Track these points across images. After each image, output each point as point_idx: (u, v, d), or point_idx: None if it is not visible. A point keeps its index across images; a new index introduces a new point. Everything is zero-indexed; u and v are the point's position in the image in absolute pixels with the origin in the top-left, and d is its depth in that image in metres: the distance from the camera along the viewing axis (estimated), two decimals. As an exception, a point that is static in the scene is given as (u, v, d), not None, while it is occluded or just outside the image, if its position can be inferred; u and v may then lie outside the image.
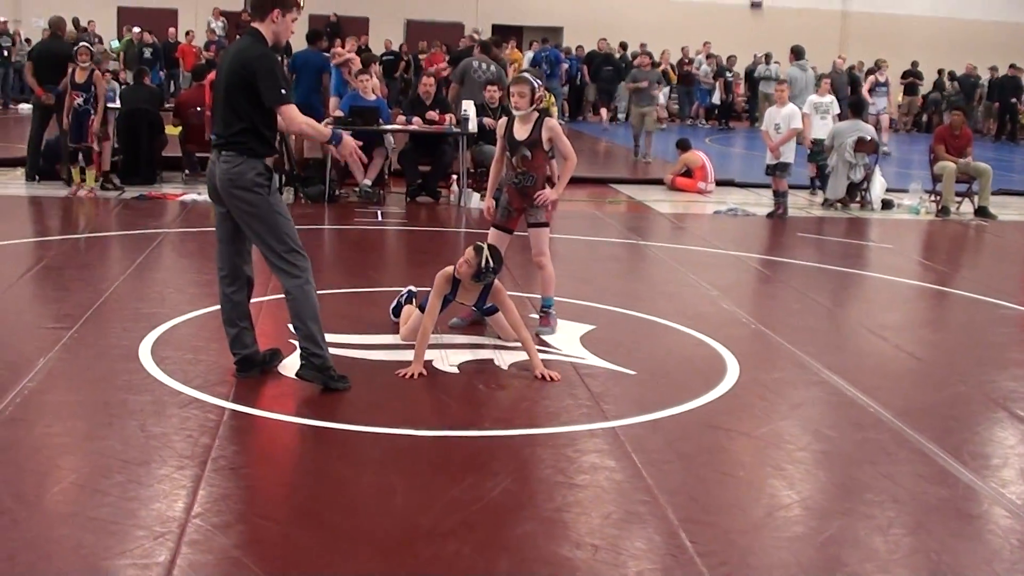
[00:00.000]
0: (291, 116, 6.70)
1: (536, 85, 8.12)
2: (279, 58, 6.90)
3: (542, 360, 7.48)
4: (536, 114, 8.22)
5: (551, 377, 7.28)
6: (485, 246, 7.66)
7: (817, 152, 17.59)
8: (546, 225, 8.41)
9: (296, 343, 7.05)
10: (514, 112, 8.22)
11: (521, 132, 8.24)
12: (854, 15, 38.07)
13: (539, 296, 8.67)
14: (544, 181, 8.36)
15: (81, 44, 15.96)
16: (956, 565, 4.83)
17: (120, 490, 5.26)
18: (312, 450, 6.09)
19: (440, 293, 7.60)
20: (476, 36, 23.65)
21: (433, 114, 15.75)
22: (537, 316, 8.56)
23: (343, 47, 20.15)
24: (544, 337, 8.20)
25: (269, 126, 6.77)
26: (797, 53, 20.60)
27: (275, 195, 6.81)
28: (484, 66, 17.22)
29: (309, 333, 6.82)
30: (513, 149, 8.28)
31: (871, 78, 27.40)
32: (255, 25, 6.78)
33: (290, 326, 7.18)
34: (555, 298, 8.57)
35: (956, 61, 32.74)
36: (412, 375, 7.24)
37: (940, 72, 34.89)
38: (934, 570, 4.78)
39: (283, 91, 6.66)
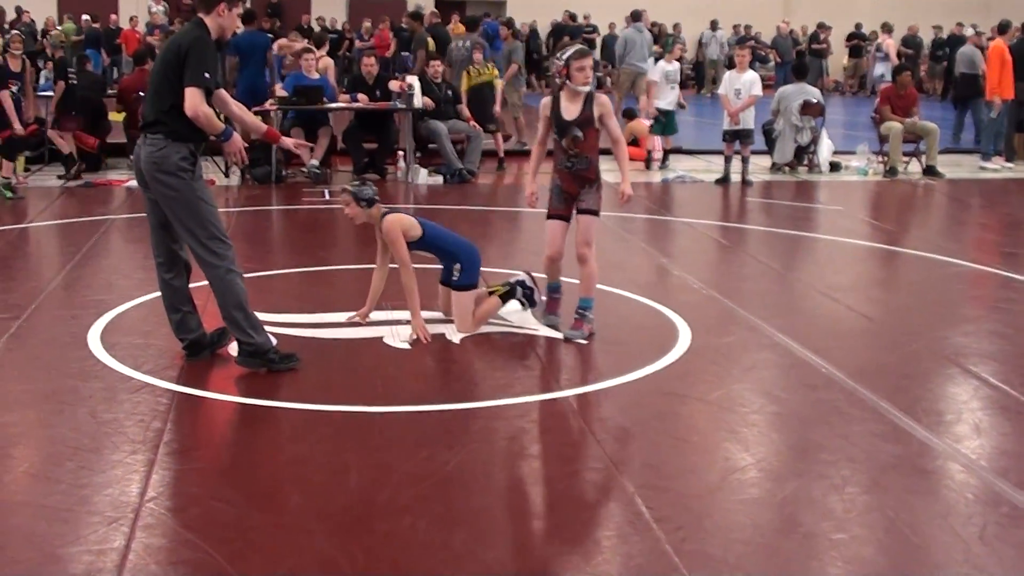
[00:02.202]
0: (193, 100, 6.52)
1: (594, 60, 7.55)
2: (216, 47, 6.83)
3: (490, 332, 7.47)
4: (584, 91, 7.49)
5: (425, 338, 7.42)
6: (344, 189, 7.72)
7: (665, 124, 17.39)
8: (598, 214, 7.64)
9: None
10: (579, 89, 7.42)
11: (571, 111, 7.48)
12: (797, -21, 38.16)
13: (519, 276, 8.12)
14: (597, 163, 7.60)
15: (13, 32, 15.79)
16: (912, 521, 4.84)
17: (72, 477, 5.21)
18: (264, 430, 6.04)
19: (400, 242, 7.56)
20: (420, 11, 23.60)
21: (396, 82, 15.67)
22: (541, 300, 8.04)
23: (284, 32, 19.98)
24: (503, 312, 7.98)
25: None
26: (634, 16, 20.76)
27: (199, 181, 6.71)
28: (462, 43, 17.18)
29: (234, 320, 6.76)
30: (562, 130, 7.50)
31: (889, 40, 27.08)
32: (200, 15, 6.73)
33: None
34: (525, 276, 8.12)
35: (900, 22, 32.83)
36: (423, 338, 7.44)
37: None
38: (890, 527, 4.79)
39: (205, 75, 6.54)
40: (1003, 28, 18.67)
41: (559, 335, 7.59)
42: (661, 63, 17.20)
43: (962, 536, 4.70)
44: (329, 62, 17.25)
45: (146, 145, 6.63)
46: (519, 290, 7.84)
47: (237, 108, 7.11)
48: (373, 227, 7.72)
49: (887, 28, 26.44)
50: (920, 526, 4.80)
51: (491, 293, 7.91)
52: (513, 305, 7.88)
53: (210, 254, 6.69)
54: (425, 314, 7.81)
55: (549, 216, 7.77)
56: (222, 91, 6.86)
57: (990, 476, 5.36)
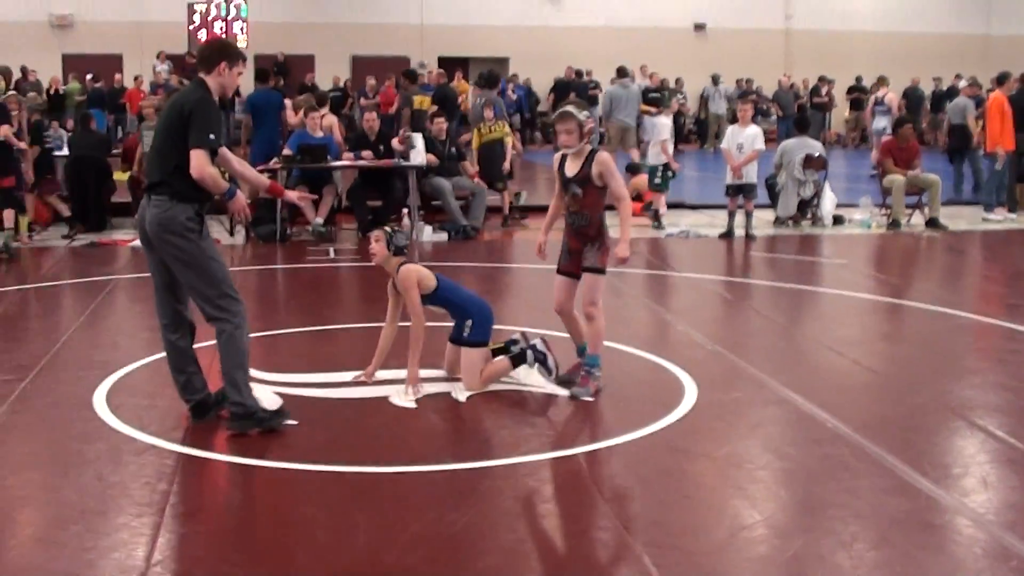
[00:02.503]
0: (200, 162, 6.57)
1: (583, 118, 7.49)
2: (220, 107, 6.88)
3: (497, 390, 7.49)
4: (588, 149, 7.56)
5: (414, 391, 7.49)
6: (383, 228, 7.78)
7: (664, 180, 17.22)
8: (601, 272, 7.61)
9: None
10: (564, 150, 7.63)
11: (572, 168, 7.56)
12: (797, 33, 38.34)
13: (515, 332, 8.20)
14: (601, 221, 7.62)
15: (9, 94, 15.98)
16: (920, 577, 4.84)
17: (78, 541, 5.21)
18: (272, 492, 6.04)
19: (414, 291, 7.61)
20: (423, 69, 23.78)
21: (397, 139, 15.75)
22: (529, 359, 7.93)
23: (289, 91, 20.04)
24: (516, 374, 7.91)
25: None
26: (620, 72, 21.33)
27: (207, 239, 6.74)
28: (480, 100, 17.34)
29: (234, 381, 6.74)
30: (565, 187, 7.62)
31: (871, 98, 27.22)
32: (201, 75, 6.79)
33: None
34: (519, 329, 8.24)
35: (900, 74, 33.00)
36: (416, 389, 7.51)
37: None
38: (899, 583, 4.79)
39: (210, 136, 6.59)
40: (1002, 79, 18.74)
41: (565, 392, 7.59)
42: (662, 118, 17.21)
43: (971, 592, 4.69)
44: (334, 120, 17.35)
45: (151, 206, 6.65)
46: (530, 354, 7.82)
47: (239, 165, 7.20)
48: (385, 283, 7.77)
49: (884, 81, 26.58)
50: (929, 582, 4.80)
51: (494, 351, 7.92)
52: (524, 370, 7.86)
53: (220, 311, 6.71)
54: (429, 372, 7.84)
55: (557, 271, 7.81)
56: (224, 149, 6.91)
57: (998, 530, 5.35)
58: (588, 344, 7.67)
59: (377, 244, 7.71)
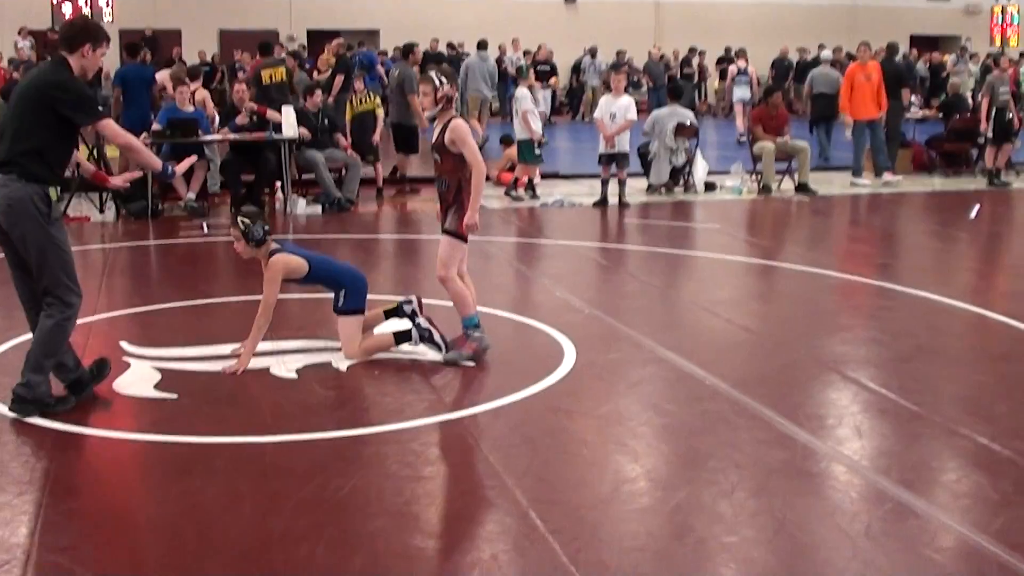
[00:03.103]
0: (114, 131, 6.64)
1: (439, 82, 7.52)
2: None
3: (378, 358, 7.51)
4: (449, 116, 7.59)
5: (238, 370, 7.40)
6: (237, 223, 7.65)
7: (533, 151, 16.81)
8: (457, 236, 7.60)
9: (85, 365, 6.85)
10: (424, 114, 7.77)
11: (434, 135, 7.64)
12: (667, 5, 38.61)
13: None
14: (458, 187, 7.58)
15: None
16: (800, 521, 4.96)
17: (-44, 520, 5.12)
18: (155, 465, 5.98)
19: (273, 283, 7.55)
20: (292, 42, 23.52)
21: (272, 112, 15.60)
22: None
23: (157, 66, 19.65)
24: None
25: (59, 153, 6.54)
26: (480, 45, 23.12)
27: (56, 224, 6.51)
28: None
29: (39, 366, 6.53)
30: (432, 152, 7.74)
31: (731, 68, 27.67)
32: (63, 54, 6.57)
33: (123, 344, 7.03)
34: (415, 300, 7.97)
35: (769, 45, 33.42)
36: (238, 371, 7.36)
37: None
38: (779, 528, 4.90)
39: (100, 107, 6.52)
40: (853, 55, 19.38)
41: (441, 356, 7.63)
42: (523, 90, 17.06)
43: (848, 533, 4.82)
44: (205, 94, 17.11)
45: None
46: (415, 332, 7.77)
47: (135, 142, 7.08)
48: (260, 261, 7.71)
49: (743, 53, 27.16)
50: (808, 526, 4.92)
51: (386, 313, 7.98)
52: (407, 347, 7.85)
53: (56, 299, 6.50)
54: (310, 343, 7.85)
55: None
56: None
57: (872, 475, 5.51)
58: (456, 308, 7.71)
59: (238, 243, 7.65)
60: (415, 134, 17.61)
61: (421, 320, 7.78)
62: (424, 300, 7.95)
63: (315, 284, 7.86)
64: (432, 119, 7.73)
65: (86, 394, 6.87)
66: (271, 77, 17.68)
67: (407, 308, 7.94)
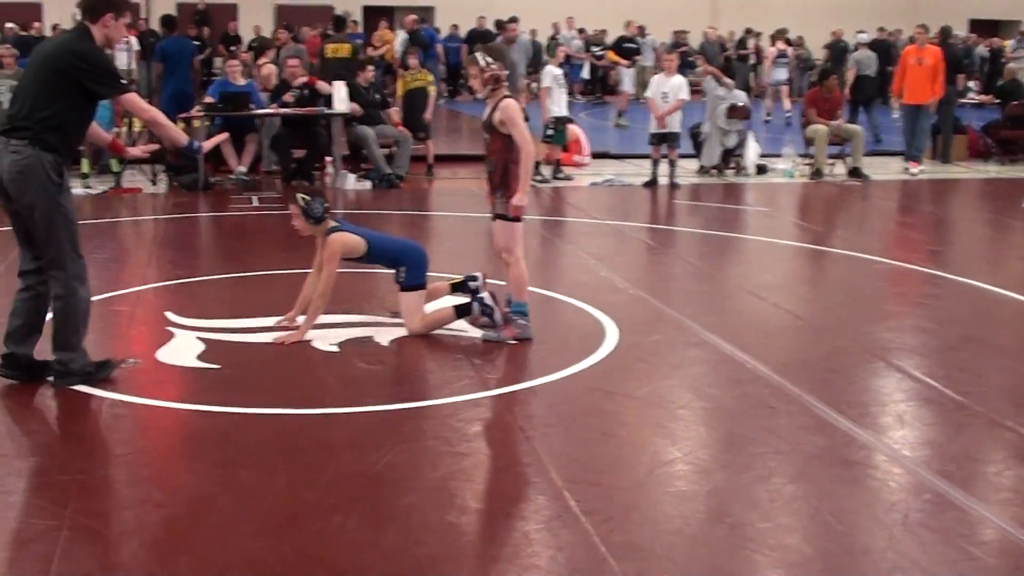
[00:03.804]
0: (138, 105, 6.60)
1: (485, 63, 7.43)
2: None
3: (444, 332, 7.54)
4: (500, 96, 7.47)
5: (285, 342, 7.44)
6: (296, 199, 7.69)
7: (558, 132, 16.55)
8: (511, 219, 7.52)
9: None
10: (478, 95, 7.69)
11: (485, 114, 7.57)
12: (723, -15, 38.44)
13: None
14: (505, 168, 7.48)
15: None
16: (837, 509, 4.91)
17: (0, 485, 5.18)
18: (194, 434, 6.01)
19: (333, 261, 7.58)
20: (349, 17, 23.54)
21: (323, 84, 15.61)
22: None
23: (223, 45, 19.65)
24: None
25: (76, 124, 6.47)
26: (499, 25, 21.72)
27: (65, 194, 6.41)
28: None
29: (67, 344, 6.47)
30: (482, 132, 7.66)
31: (771, 50, 27.55)
32: (86, 23, 6.45)
33: (168, 314, 7.00)
34: (480, 277, 8.07)
35: (825, 26, 33.13)
36: (288, 342, 7.38)
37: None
38: (815, 516, 4.86)
39: (123, 81, 6.47)
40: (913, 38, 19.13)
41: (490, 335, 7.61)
42: (549, 67, 16.85)
43: (885, 523, 4.77)
44: (272, 69, 17.08)
45: (8, 151, 6.28)
46: (476, 306, 7.75)
47: (158, 115, 7.01)
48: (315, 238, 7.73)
49: (783, 34, 27.06)
50: (844, 514, 4.87)
51: (452, 286, 8.06)
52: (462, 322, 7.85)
53: (61, 270, 6.39)
54: (353, 317, 7.87)
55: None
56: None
57: (913, 465, 5.45)
58: (511, 291, 7.67)
59: (296, 220, 7.68)
60: None
61: (485, 295, 7.77)
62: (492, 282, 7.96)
63: (374, 263, 7.89)
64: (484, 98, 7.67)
65: (15, 376, 6.57)
66: (335, 52, 17.70)
67: (472, 284, 7.99)
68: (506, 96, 7.50)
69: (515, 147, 7.45)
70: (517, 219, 7.54)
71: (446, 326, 7.78)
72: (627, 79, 23.64)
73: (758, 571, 4.44)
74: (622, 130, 18.39)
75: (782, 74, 25.89)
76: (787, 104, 25.61)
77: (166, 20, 17.72)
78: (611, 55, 21.05)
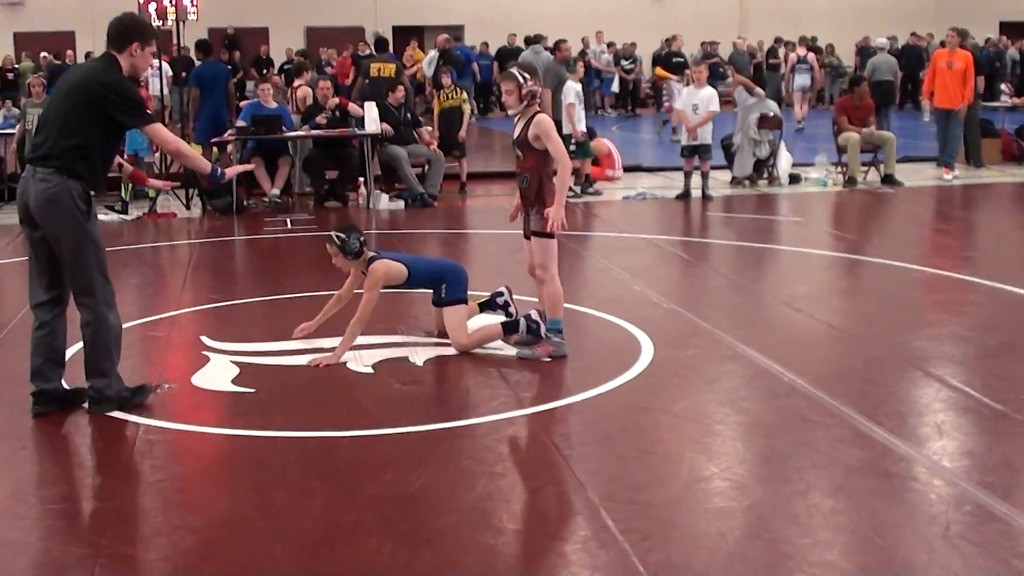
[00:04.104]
0: (162, 136, 6.68)
1: (523, 79, 7.44)
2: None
3: (454, 353, 7.53)
4: (532, 111, 7.49)
5: (319, 364, 7.42)
6: (333, 233, 7.69)
7: (581, 146, 16.29)
8: (546, 236, 7.49)
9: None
10: (509, 111, 7.66)
11: (516, 130, 7.56)
12: (752, -6, 38.37)
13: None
14: (540, 184, 7.49)
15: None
16: (877, 523, 4.86)
17: (35, 512, 5.21)
18: (229, 458, 6.02)
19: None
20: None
21: (354, 107, 15.67)
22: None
23: (255, 68, 19.72)
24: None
25: (103, 152, 6.50)
26: (529, 40, 22.02)
27: (93, 222, 6.41)
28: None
29: (100, 370, 6.48)
30: (513, 149, 7.68)
31: (791, 56, 27.58)
32: (112, 52, 6.49)
33: (203, 338, 7.00)
34: (506, 291, 8.16)
35: (853, 32, 33.08)
36: (323, 364, 7.37)
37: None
38: (855, 530, 4.82)
39: (148, 111, 6.54)
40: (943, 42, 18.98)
41: (525, 352, 7.60)
42: (570, 83, 16.72)
43: (926, 536, 4.73)
44: (308, 91, 17.15)
45: (36, 181, 6.30)
46: (523, 322, 7.71)
47: (182, 147, 7.04)
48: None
49: (804, 40, 27.12)
50: (885, 528, 4.82)
51: (480, 306, 8.09)
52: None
53: (90, 297, 6.40)
54: (387, 337, 7.89)
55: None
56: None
57: (953, 477, 5.39)
58: (546, 309, 7.64)
59: (336, 259, 7.72)
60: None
61: (532, 312, 7.74)
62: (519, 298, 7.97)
63: (416, 287, 7.92)
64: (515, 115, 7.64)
65: (50, 410, 6.55)
66: (379, 71, 17.78)
67: (499, 300, 8.01)
68: (538, 111, 7.50)
69: (549, 162, 7.45)
70: (552, 235, 7.50)
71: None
72: (677, 93, 23.64)
73: (798, 587, 4.40)
74: (676, 143, 18.36)
75: (805, 80, 25.89)
76: (802, 111, 25.51)
77: (201, 45, 17.82)
78: (660, 70, 21.00)
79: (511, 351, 7.65)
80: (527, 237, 7.70)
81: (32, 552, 4.79)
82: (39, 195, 6.28)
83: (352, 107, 15.72)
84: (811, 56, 26.34)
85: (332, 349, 7.58)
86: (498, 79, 7.57)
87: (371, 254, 7.73)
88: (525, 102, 7.47)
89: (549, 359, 7.49)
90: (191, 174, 15.28)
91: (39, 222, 6.35)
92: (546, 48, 18.84)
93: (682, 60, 25.02)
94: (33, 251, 6.54)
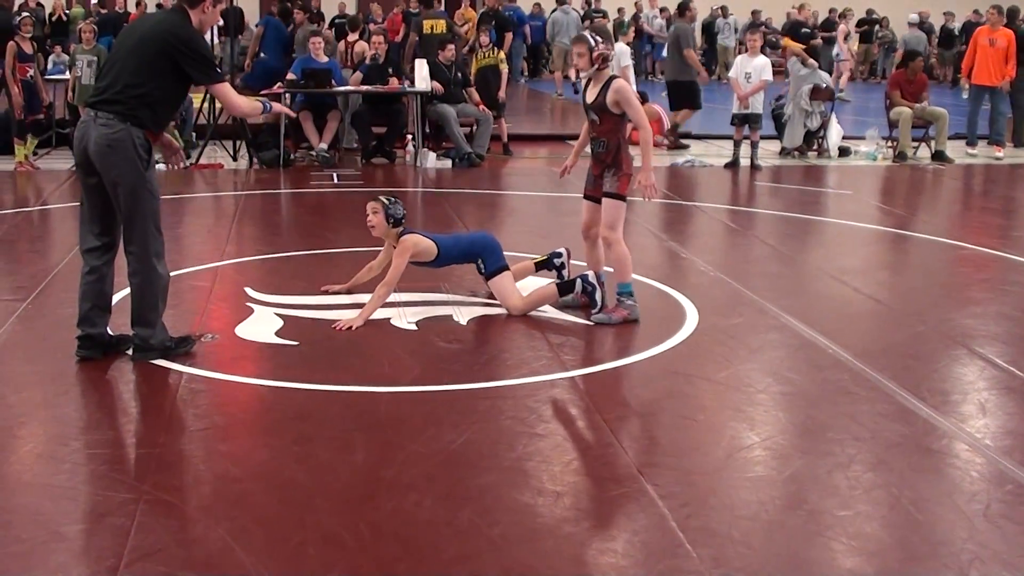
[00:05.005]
0: (230, 97, 6.67)
1: (595, 42, 7.41)
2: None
3: (498, 313, 7.53)
4: (607, 75, 7.47)
5: (349, 327, 7.30)
6: (379, 199, 7.74)
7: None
8: (620, 198, 7.53)
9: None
10: (581, 74, 7.68)
11: (590, 95, 7.52)
12: (807, -36, 37.94)
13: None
14: (618, 148, 7.50)
15: (24, 15, 15.77)
16: (916, 498, 4.84)
17: (78, 456, 5.25)
18: (271, 410, 6.05)
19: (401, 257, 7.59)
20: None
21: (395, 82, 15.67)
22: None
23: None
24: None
25: (167, 104, 6.53)
26: (559, 0, 25.08)
27: (151, 170, 6.41)
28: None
29: (145, 320, 6.51)
30: (586, 113, 7.62)
31: (842, 27, 27.47)
32: (184, 7, 6.50)
33: (247, 289, 7.01)
34: (564, 252, 8.24)
35: (910, 7, 32.68)
36: (349, 327, 7.29)
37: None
38: (894, 504, 4.80)
39: (219, 70, 6.55)
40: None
41: (567, 317, 7.59)
42: (620, 45, 16.53)
43: (966, 513, 4.70)
44: (364, 46, 17.12)
45: (98, 124, 6.29)
46: (579, 283, 7.73)
47: (243, 103, 7.04)
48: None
49: (843, 15, 27.46)
50: (924, 503, 4.80)
51: (537, 264, 8.17)
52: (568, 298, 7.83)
53: (141, 246, 6.41)
54: (432, 295, 7.91)
55: (583, 195, 7.83)
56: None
57: (995, 455, 5.36)
58: (615, 272, 7.62)
59: (375, 216, 7.69)
60: (695, 90, 17.62)
61: (589, 274, 7.75)
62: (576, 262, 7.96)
63: (448, 264, 7.92)
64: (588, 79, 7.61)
65: (95, 355, 6.61)
66: (432, 28, 17.79)
67: (556, 261, 8.07)
68: (615, 76, 7.49)
69: (624, 126, 7.49)
70: (624, 199, 7.54)
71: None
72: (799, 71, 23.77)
73: (835, 559, 4.38)
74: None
75: (837, 50, 26.21)
76: (842, 83, 25.48)
77: (283, 11, 18.23)
78: (787, 40, 21.01)
79: (555, 313, 7.65)
80: (588, 199, 7.70)
81: (75, 496, 4.83)
82: (100, 139, 6.27)
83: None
84: (841, 28, 26.96)
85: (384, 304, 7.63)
86: (571, 43, 7.54)
87: (404, 228, 7.75)
88: (596, 65, 7.45)
89: (621, 322, 7.49)
90: (241, 125, 15.34)
91: (97, 167, 6.33)
92: (677, 9, 18.92)
93: (809, 32, 24.64)
94: (87, 196, 6.54)
